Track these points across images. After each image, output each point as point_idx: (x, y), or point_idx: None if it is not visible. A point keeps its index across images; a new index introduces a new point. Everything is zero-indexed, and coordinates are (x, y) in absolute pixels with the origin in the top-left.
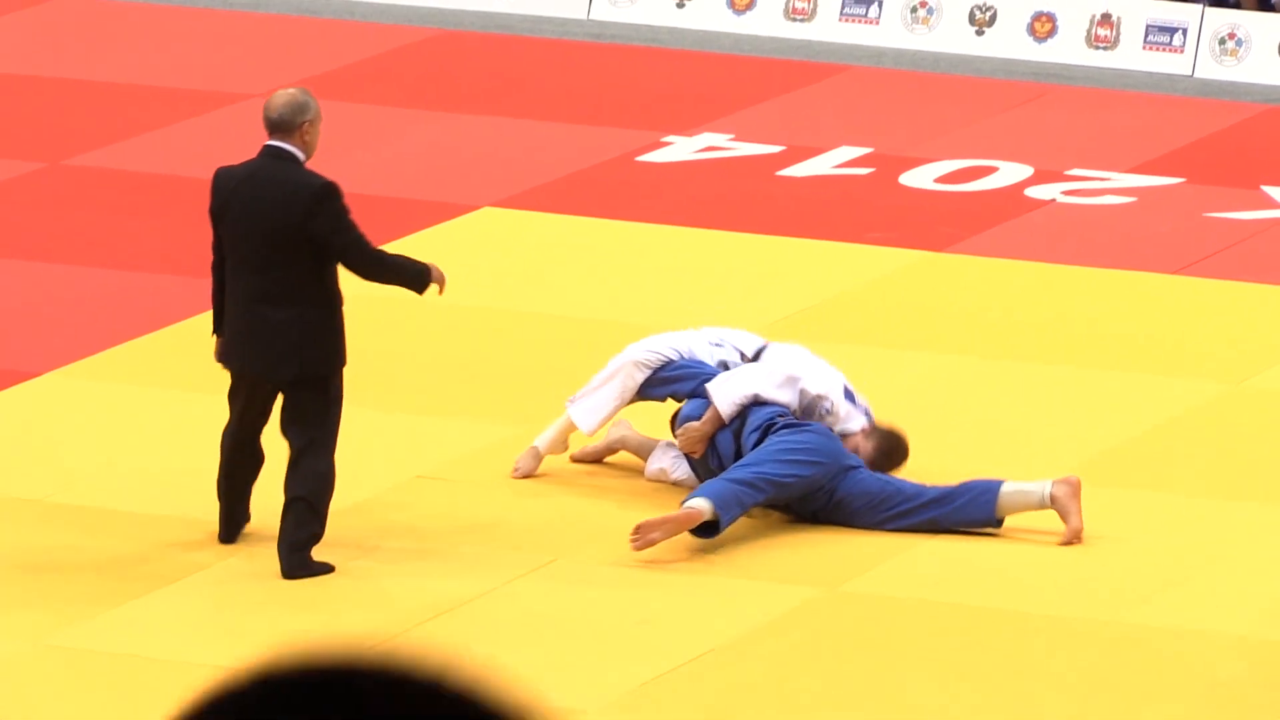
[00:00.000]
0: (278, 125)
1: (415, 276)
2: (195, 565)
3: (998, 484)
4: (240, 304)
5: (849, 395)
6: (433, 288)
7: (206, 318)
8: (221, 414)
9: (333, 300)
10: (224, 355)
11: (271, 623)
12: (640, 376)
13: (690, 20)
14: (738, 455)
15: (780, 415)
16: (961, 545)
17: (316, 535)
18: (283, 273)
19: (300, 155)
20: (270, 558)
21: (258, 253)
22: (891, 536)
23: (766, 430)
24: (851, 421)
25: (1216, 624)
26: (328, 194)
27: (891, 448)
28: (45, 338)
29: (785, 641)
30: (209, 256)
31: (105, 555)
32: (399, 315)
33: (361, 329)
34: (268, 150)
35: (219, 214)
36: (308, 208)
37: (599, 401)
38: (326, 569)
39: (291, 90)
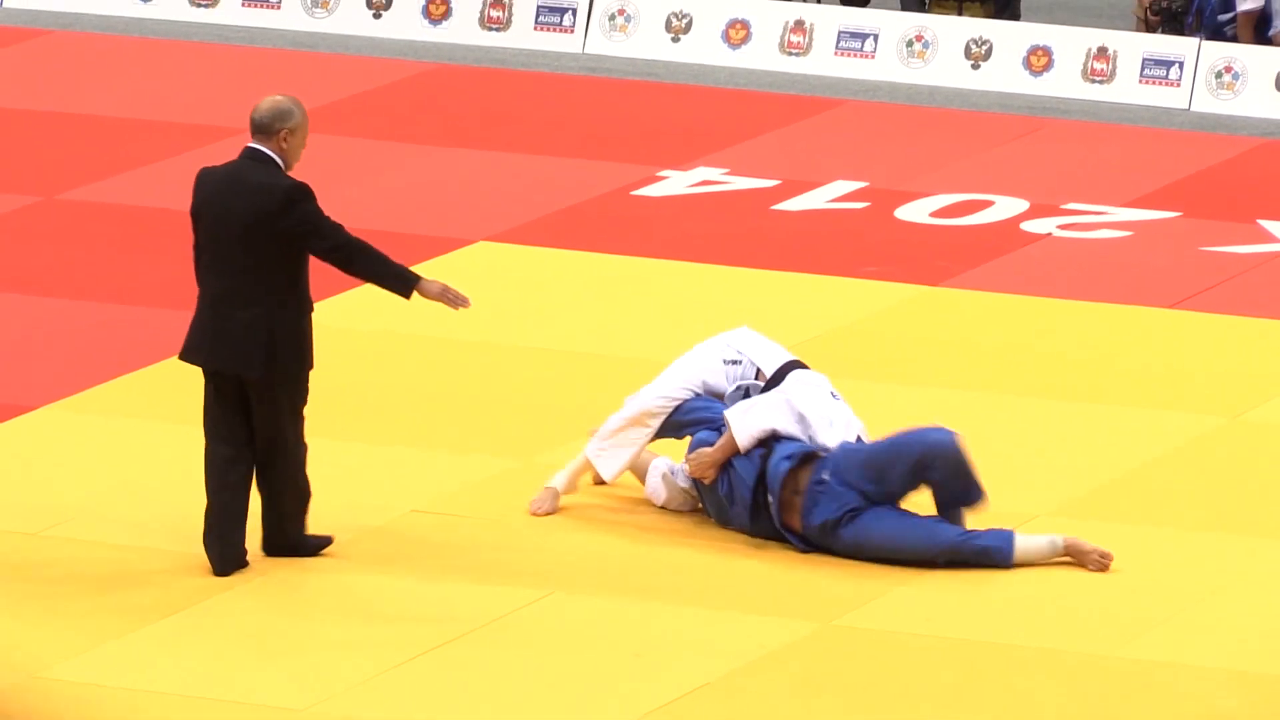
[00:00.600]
0: (259, 128)
1: (398, 278)
2: (189, 600)
3: (1011, 534)
4: (210, 302)
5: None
6: (438, 301)
7: None
8: None
9: (302, 303)
10: (188, 351)
11: (270, 658)
12: (655, 424)
13: (685, 54)
14: (760, 481)
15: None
16: (958, 580)
17: (301, 530)
18: (253, 273)
19: (277, 159)
20: (262, 594)
21: (230, 252)
22: (886, 570)
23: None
24: None
25: (1215, 658)
26: (299, 195)
27: None
28: (42, 371)
29: (781, 676)
30: None
31: (103, 589)
32: (394, 348)
33: (356, 362)
34: (246, 151)
35: (197, 213)
36: (279, 208)
37: (618, 451)
38: (325, 541)
39: (280, 97)
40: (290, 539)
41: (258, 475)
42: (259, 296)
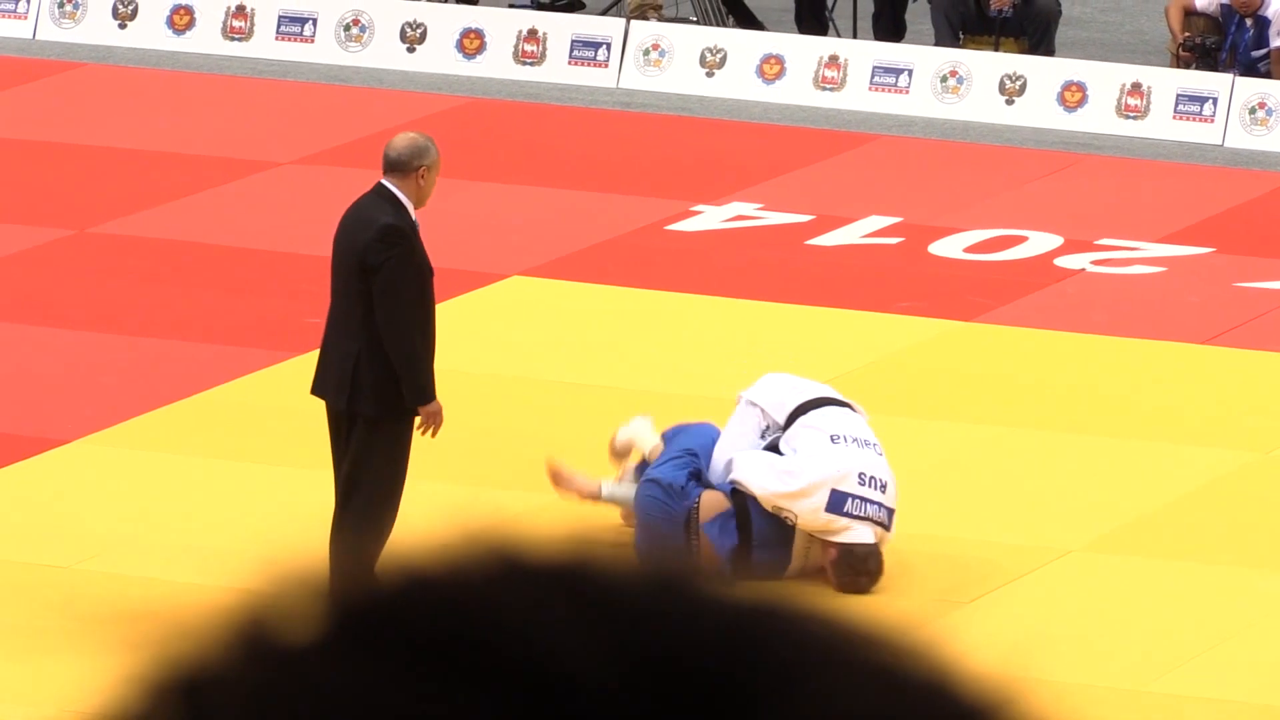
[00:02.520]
0: (393, 165)
1: (414, 385)
2: None
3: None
4: (324, 333)
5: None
6: (422, 419)
7: (234, 386)
8: (250, 479)
9: None
10: (313, 383)
11: None
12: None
13: (720, 89)
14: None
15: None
16: (988, 614)
17: (358, 567)
18: (353, 305)
19: (404, 199)
20: None
21: (336, 284)
22: (913, 606)
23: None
24: (849, 534)
25: (1246, 694)
26: (387, 234)
27: (855, 573)
28: (74, 405)
29: None
30: (234, 325)
31: (131, 623)
32: None
33: None
34: (375, 187)
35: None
36: (367, 243)
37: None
38: None
39: (416, 134)
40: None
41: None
42: (354, 330)
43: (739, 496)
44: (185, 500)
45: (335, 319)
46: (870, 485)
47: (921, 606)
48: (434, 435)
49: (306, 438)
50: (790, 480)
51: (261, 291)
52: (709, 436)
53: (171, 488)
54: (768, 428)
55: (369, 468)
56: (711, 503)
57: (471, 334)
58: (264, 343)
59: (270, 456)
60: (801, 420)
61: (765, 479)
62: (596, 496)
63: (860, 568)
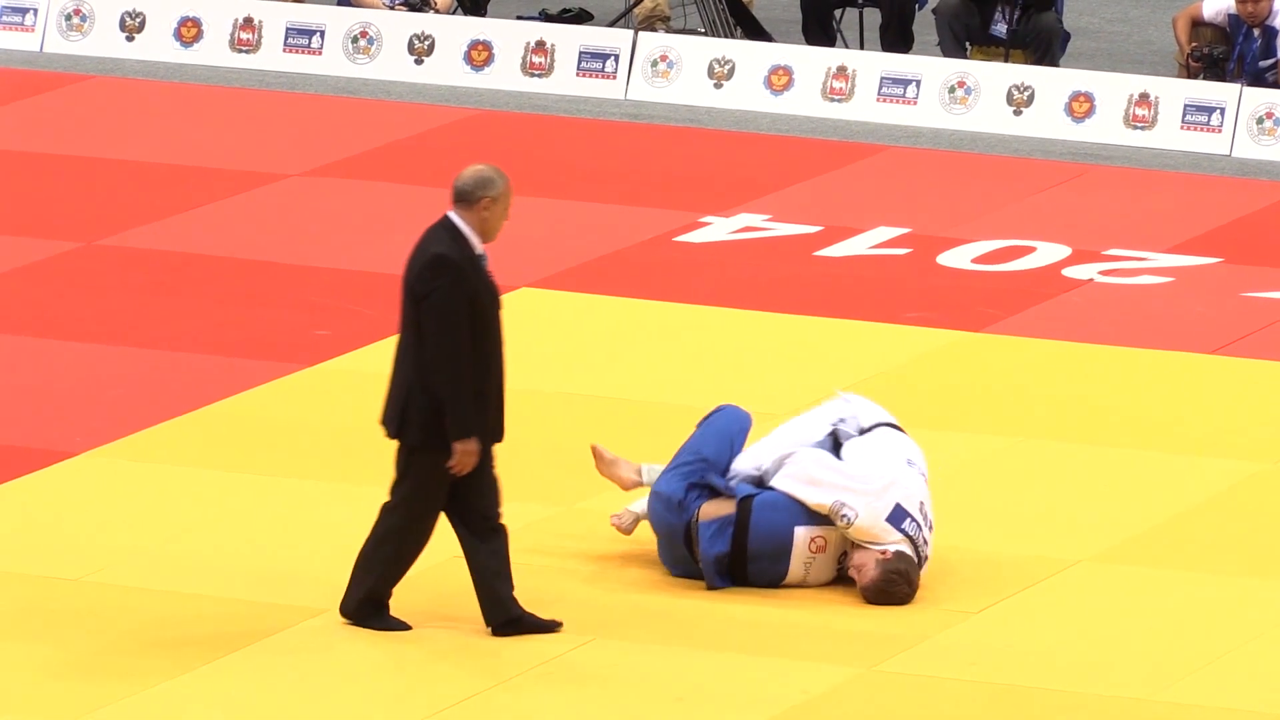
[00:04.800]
0: (459, 196)
1: (458, 420)
2: (230, 646)
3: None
4: (393, 362)
5: (902, 516)
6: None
7: (243, 398)
8: (259, 492)
9: None
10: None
11: (314, 703)
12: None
13: (728, 100)
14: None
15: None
16: (1001, 623)
17: (371, 595)
18: (406, 335)
19: (466, 230)
20: (305, 639)
21: (402, 314)
22: (929, 614)
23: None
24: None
25: (1256, 703)
26: (436, 265)
27: (888, 590)
28: (82, 417)
29: (832, 715)
30: (242, 338)
31: (140, 635)
32: None
33: None
34: (442, 219)
35: None
36: (416, 273)
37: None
38: (398, 624)
39: (483, 165)
40: (345, 601)
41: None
42: (409, 360)
43: (745, 503)
44: (194, 513)
45: (399, 349)
46: (925, 519)
47: (930, 616)
48: (457, 472)
49: (315, 450)
50: (867, 481)
51: (270, 304)
52: (737, 425)
53: (180, 500)
54: (843, 420)
55: (401, 494)
56: (711, 508)
57: None
58: (273, 355)
59: (279, 469)
60: (876, 433)
61: (835, 476)
62: (638, 483)
63: (899, 579)
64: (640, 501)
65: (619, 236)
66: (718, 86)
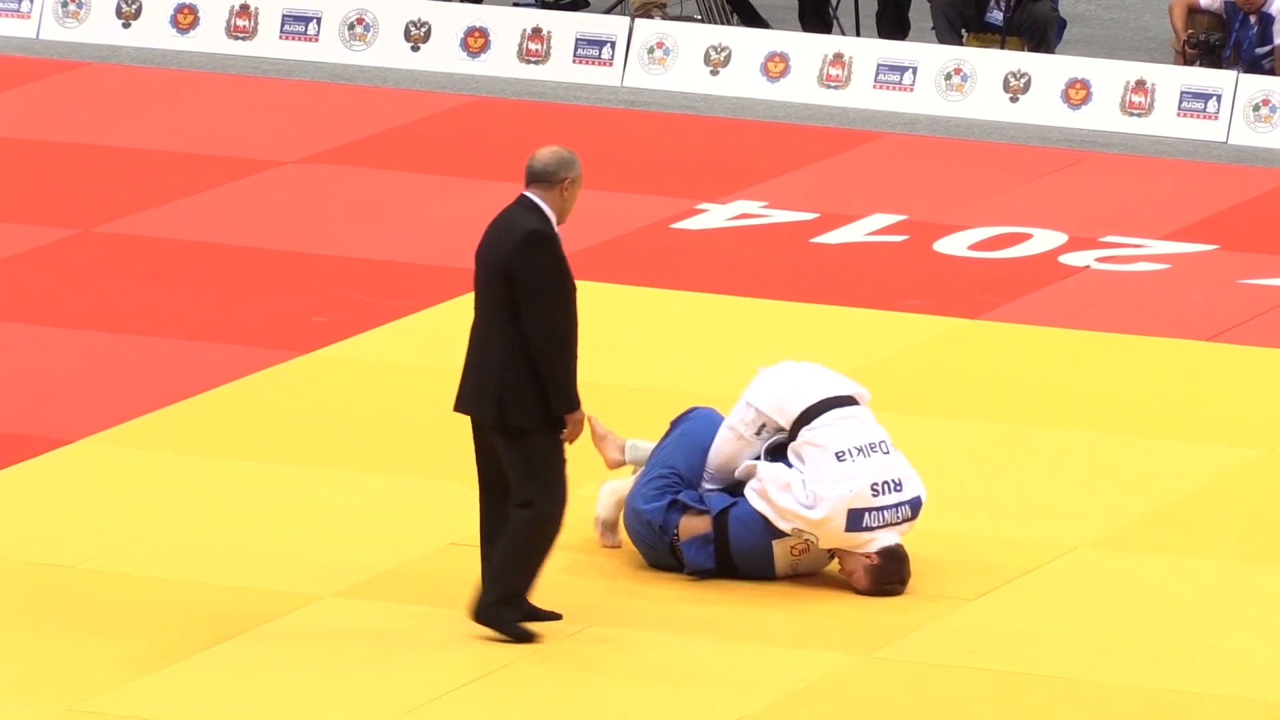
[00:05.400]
0: (539, 176)
1: (563, 392)
2: (227, 633)
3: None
4: (468, 347)
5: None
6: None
7: (241, 384)
8: (255, 479)
9: None
10: (456, 399)
11: (313, 690)
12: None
13: (724, 87)
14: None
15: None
16: (999, 611)
17: (510, 592)
18: (494, 315)
19: (548, 210)
20: (302, 626)
21: (480, 296)
22: (927, 602)
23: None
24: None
25: (1252, 690)
26: (537, 240)
27: (885, 582)
28: (79, 404)
29: (821, 708)
30: (240, 324)
31: (137, 621)
32: (434, 382)
33: (395, 396)
34: (518, 199)
35: (476, 260)
36: (513, 250)
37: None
38: (524, 635)
39: (559, 147)
40: (484, 597)
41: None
42: (499, 341)
43: (720, 520)
44: (191, 500)
45: (480, 333)
46: (885, 491)
47: (927, 603)
48: (571, 443)
49: (312, 437)
50: (810, 512)
51: (267, 291)
52: (710, 428)
53: (177, 487)
54: (763, 427)
55: (527, 483)
56: (689, 526)
57: None
58: (270, 342)
59: (276, 456)
60: (805, 435)
61: (788, 505)
62: (621, 462)
63: (894, 576)
64: (616, 484)
65: (615, 223)
66: (714, 73)
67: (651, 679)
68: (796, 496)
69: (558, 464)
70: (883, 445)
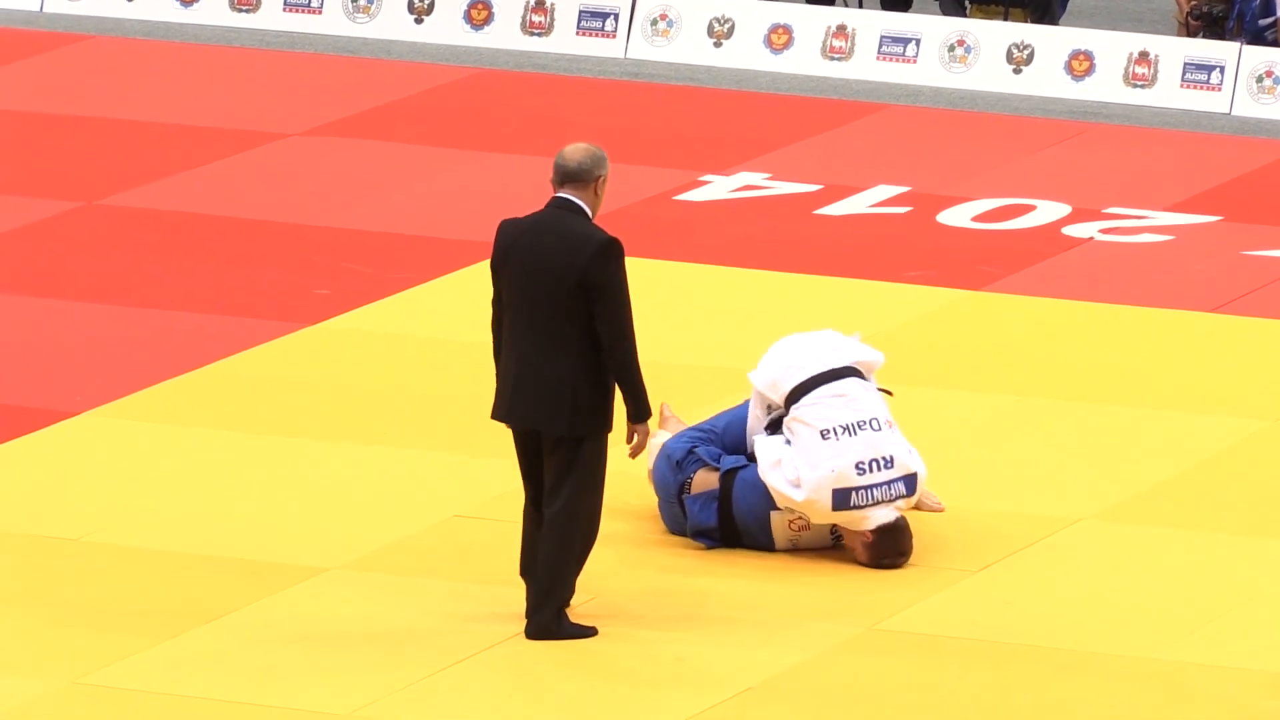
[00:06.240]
0: (574, 175)
1: (642, 399)
2: (230, 605)
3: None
4: (517, 357)
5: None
6: (637, 436)
7: (245, 356)
8: (259, 451)
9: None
10: (499, 410)
11: (312, 663)
12: None
13: (727, 59)
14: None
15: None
16: (1002, 583)
17: (561, 605)
18: (559, 325)
19: (588, 210)
20: (305, 598)
21: (536, 304)
22: (931, 574)
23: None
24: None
25: (1256, 661)
26: (614, 252)
27: (884, 555)
28: (82, 377)
29: (824, 680)
30: (243, 297)
31: (141, 595)
32: (438, 354)
33: (400, 367)
34: (556, 202)
35: (500, 266)
36: (588, 260)
37: None
38: (584, 632)
39: (588, 144)
40: (539, 619)
41: (540, 537)
42: (564, 351)
43: (726, 479)
44: (194, 472)
45: (536, 340)
46: (872, 469)
47: (931, 575)
48: (639, 453)
49: (315, 409)
50: (795, 491)
51: (270, 263)
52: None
53: (181, 460)
54: (769, 407)
55: (579, 493)
56: (701, 480)
57: (482, 304)
58: (273, 314)
59: (279, 428)
60: (794, 412)
61: (776, 484)
62: None
63: (891, 550)
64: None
65: (619, 195)
66: (717, 45)
67: (654, 653)
68: (785, 474)
69: (602, 470)
70: (873, 423)
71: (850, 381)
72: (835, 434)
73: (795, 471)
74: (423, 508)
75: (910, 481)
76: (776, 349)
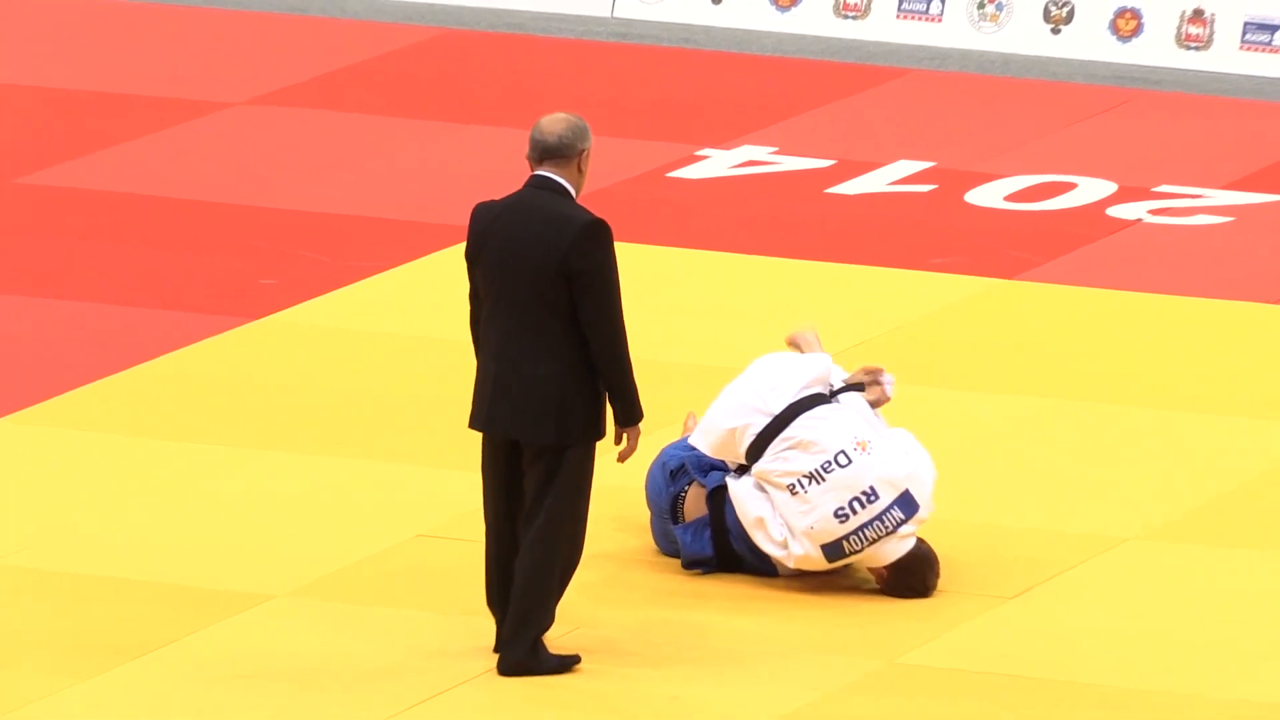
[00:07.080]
0: (554, 151)
1: (633, 400)
2: (164, 638)
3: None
4: (495, 356)
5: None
6: (625, 440)
7: (181, 355)
8: (196, 462)
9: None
10: (477, 418)
11: (260, 700)
12: None
13: (727, 18)
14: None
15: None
16: (1028, 614)
17: (538, 636)
18: (543, 320)
19: (571, 189)
20: (248, 630)
21: (516, 297)
22: (951, 605)
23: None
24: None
25: None
26: (601, 234)
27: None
28: None
29: (843, 715)
30: (179, 287)
31: (65, 625)
32: (399, 351)
33: (356, 367)
34: (535, 181)
35: (475, 255)
36: (572, 244)
37: None
38: (565, 664)
39: (566, 114)
40: (513, 653)
41: (520, 551)
42: (550, 349)
43: (714, 502)
44: (122, 487)
45: (516, 338)
46: (854, 510)
47: (958, 602)
48: (628, 458)
49: (261, 415)
50: (785, 554)
51: (209, 249)
52: None
53: (109, 472)
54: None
55: (564, 504)
56: (692, 503)
57: (448, 295)
58: (212, 307)
59: (219, 436)
60: (757, 469)
61: (764, 546)
62: None
63: (913, 585)
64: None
65: (605, 172)
66: (716, 3)
67: (644, 688)
68: (771, 534)
69: (588, 482)
70: (839, 458)
71: (799, 422)
72: (802, 487)
73: (781, 533)
74: (382, 526)
75: (907, 504)
76: (714, 411)
